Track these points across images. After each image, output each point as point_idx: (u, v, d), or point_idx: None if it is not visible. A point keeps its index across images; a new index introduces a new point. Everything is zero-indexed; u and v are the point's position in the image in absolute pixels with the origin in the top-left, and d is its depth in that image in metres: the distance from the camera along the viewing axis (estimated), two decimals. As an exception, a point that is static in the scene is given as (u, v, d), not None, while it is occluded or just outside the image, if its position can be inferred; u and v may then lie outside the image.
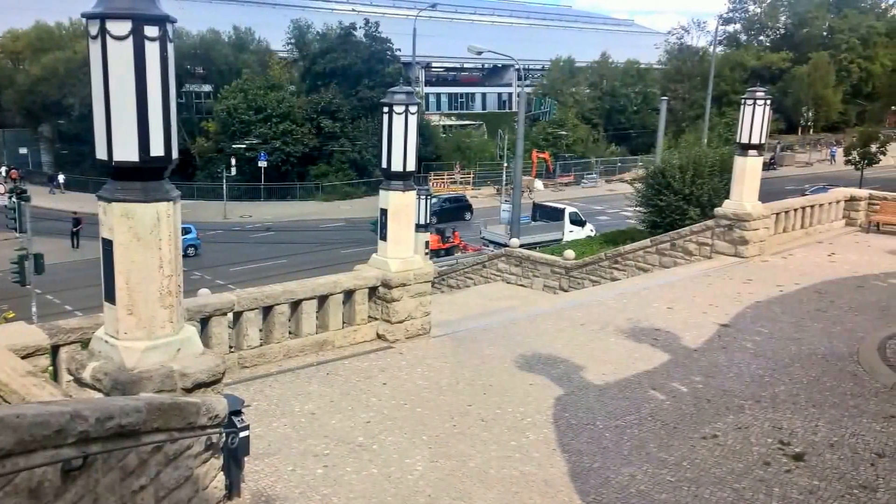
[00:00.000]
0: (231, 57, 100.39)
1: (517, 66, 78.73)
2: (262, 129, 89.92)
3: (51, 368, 12.99)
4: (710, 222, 28.82)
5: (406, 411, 14.39)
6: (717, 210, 28.39)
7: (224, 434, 9.65)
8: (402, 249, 18.49)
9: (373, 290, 18.35)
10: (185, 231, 57.02)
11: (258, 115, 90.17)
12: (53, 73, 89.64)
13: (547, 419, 14.18)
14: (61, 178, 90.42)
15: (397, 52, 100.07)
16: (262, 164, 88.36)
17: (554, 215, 66.68)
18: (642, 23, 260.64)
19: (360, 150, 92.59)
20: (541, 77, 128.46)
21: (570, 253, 34.72)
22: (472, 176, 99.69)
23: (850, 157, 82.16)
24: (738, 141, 27.80)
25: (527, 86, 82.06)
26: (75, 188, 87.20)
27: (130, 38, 8.73)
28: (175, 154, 9.33)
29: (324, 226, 77.64)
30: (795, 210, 30.99)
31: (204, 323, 15.29)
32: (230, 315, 15.96)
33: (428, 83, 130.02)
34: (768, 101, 26.95)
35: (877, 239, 31.24)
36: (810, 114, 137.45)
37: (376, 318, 18.47)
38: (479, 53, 64.23)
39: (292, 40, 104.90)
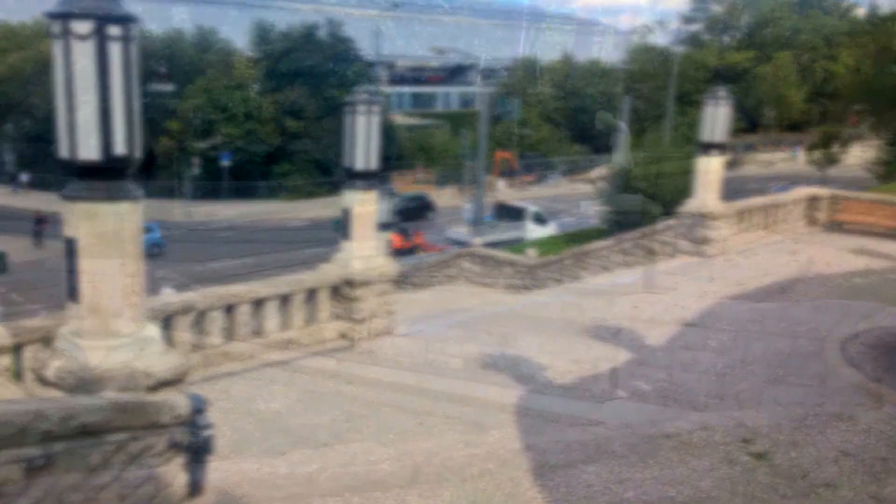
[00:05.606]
0: (194, 56, 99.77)
1: (481, 66, 78.97)
2: (226, 129, 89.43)
3: (14, 367, 12.93)
4: (672, 221, 28.97)
5: (370, 410, 14.40)
6: (680, 209, 28.54)
7: (187, 433, 9.62)
8: (365, 249, 18.53)
9: (336, 289, 18.36)
10: (149, 230, 56.72)
11: (222, 114, 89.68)
12: (17, 73, 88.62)
13: (511, 418, 14.23)
14: (25, 176, 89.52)
15: (361, 52, 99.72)
16: (226, 163, 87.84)
17: (517, 214, 66.62)
18: (606, 22, 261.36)
19: (324, 149, 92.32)
20: (504, 76, 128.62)
21: (532, 252, 34.76)
22: (434, 175, 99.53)
23: (813, 157, 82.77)
24: (700, 140, 27.95)
25: (490, 85, 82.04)
26: (39, 187, 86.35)
27: (93, 38, 8.71)
28: (138, 153, 9.33)
29: (287, 225, 77.30)
30: (758, 209, 31.17)
31: (167, 322, 15.24)
32: (194, 314, 15.92)
33: (391, 82, 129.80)
34: (730, 101, 27.12)
35: (839, 238, 31.44)
36: (773, 113, 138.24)
37: (340, 317, 18.48)
38: (443, 53, 64.33)
39: (256, 40, 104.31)
